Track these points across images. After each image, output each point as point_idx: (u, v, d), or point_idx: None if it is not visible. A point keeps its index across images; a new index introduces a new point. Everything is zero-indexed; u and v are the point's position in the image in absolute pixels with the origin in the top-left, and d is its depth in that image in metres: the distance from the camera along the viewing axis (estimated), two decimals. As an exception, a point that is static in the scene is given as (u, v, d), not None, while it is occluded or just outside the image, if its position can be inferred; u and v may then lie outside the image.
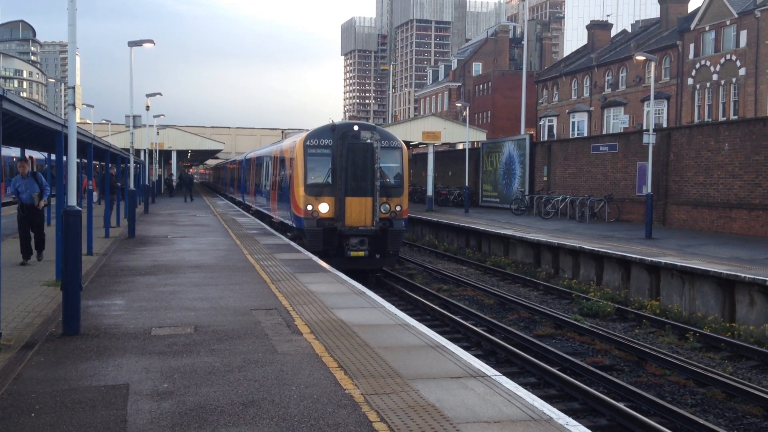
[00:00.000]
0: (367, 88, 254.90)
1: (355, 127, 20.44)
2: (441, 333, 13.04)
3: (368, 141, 20.03)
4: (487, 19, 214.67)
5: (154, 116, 45.29)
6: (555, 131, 61.72)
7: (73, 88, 9.72)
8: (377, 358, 8.22)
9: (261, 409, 6.45)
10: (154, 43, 24.15)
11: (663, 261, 18.00)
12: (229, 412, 6.39)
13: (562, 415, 6.23)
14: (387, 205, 20.41)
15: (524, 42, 49.39)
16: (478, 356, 11.14)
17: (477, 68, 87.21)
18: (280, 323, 10.13)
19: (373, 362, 8.02)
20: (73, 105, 9.71)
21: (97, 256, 17.54)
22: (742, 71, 42.98)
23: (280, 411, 6.39)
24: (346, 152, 19.98)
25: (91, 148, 18.26)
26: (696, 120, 45.84)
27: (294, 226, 21.73)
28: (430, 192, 42.60)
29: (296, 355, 8.38)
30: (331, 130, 20.77)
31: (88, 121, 75.23)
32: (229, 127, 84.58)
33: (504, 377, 7.53)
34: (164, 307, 11.25)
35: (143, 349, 8.65)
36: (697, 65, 46.55)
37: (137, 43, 23.96)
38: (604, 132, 52.62)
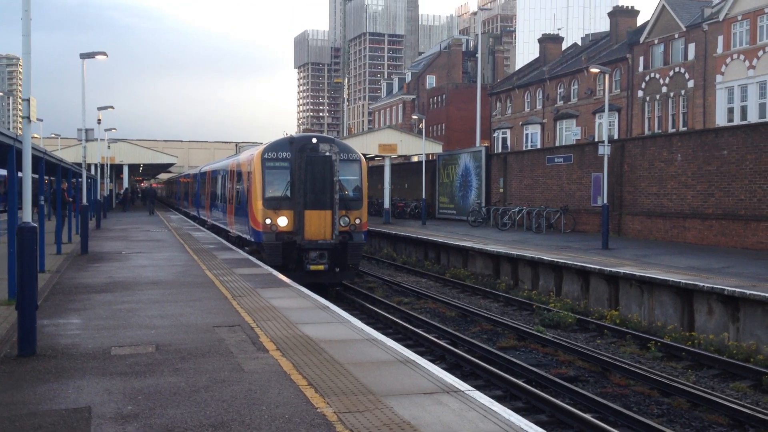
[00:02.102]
0: (321, 101, 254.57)
1: (314, 140, 20.30)
2: (405, 347, 12.92)
3: (327, 153, 19.90)
4: (439, 33, 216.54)
5: (106, 130, 44.47)
6: (509, 143, 62.31)
7: (28, 100, 9.40)
8: (347, 374, 8.06)
9: (231, 430, 6.25)
10: (107, 55, 23.69)
11: (621, 271, 18.18)
12: (198, 434, 6.16)
13: (540, 429, 6.15)
14: (346, 218, 20.28)
15: (478, 55, 49.84)
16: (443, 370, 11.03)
17: (431, 81, 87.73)
18: (244, 340, 9.90)
19: (343, 379, 7.86)
20: (28, 118, 9.39)
21: (49, 273, 17.04)
22: (690, 83, 43.94)
23: (251, 432, 6.19)
24: (305, 165, 19.82)
25: (42, 163, 17.77)
26: (646, 131, 46.69)
27: (252, 240, 21.44)
28: (387, 204, 42.55)
29: (264, 373, 8.18)
30: (290, 142, 20.60)
31: (36, 135, 73.57)
32: (181, 141, 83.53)
33: (477, 392, 7.44)
34: (123, 326, 10.92)
35: (104, 370, 8.35)
36: (647, 78, 47.46)
37: (89, 55, 23.47)
38: (557, 144, 53.29)
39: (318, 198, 19.81)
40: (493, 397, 10.97)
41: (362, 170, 21.26)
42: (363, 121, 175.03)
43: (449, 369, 13.03)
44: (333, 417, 6.55)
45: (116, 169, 61.32)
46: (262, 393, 7.36)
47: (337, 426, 6.31)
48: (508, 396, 11.60)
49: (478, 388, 11.40)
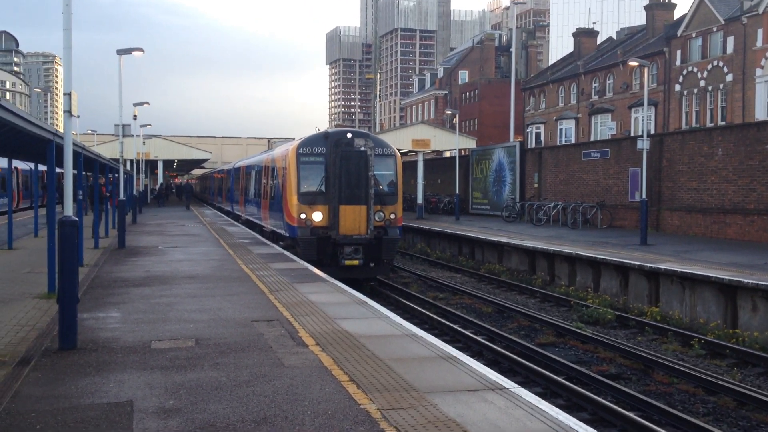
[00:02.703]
0: (353, 96, 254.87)
1: (349, 135, 20.18)
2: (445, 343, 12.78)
3: (362, 148, 19.76)
4: (471, 28, 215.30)
5: (141, 126, 44.87)
6: (542, 138, 61.73)
7: (69, 94, 9.42)
8: (389, 370, 7.95)
9: (275, 426, 6.17)
10: (144, 51, 23.82)
11: (662, 267, 17.84)
12: (241, 430, 6.10)
13: (591, 429, 5.99)
14: (381, 213, 20.16)
15: (512, 49, 49.45)
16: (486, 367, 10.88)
17: (463, 76, 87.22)
18: (283, 335, 9.84)
19: (385, 375, 7.75)
20: (69, 112, 9.41)
21: (88, 267, 17.17)
22: (729, 77, 43.11)
23: (295, 428, 6.11)
24: (340, 160, 19.69)
25: (81, 158, 17.91)
26: (684, 126, 45.92)
27: (287, 235, 21.40)
28: (420, 200, 42.39)
29: (304, 368, 8.10)
30: (324, 137, 20.52)
31: (73, 132, 74.57)
32: (215, 137, 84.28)
33: (523, 389, 7.29)
34: (162, 320, 10.93)
35: (144, 364, 8.34)
36: (684, 71, 46.66)
37: (126, 51, 23.62)
38: (592, 139, 52.63)
39: (353, 193, 19.69)
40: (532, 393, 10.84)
41: (397, 165, 21.13)
42: (394, 116, 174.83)
43: (488, 365, 12.85)
44: (377, 414, 6.44)
45: (151, 164, 61.96)
46: (303, 388, 7.28)
47: (381, 423, 6.20)
48: (548, 393, 11.40)
49: (516, 384, 11.26)
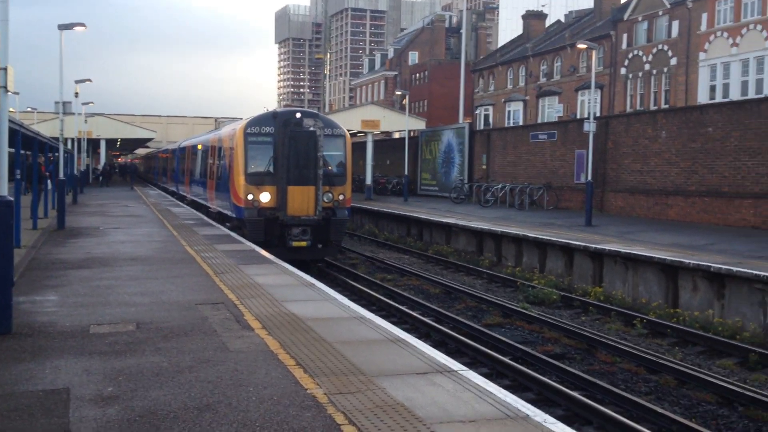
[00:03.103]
0: (302, 77, 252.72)
1: (298, 115, 19.93)
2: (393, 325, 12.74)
3: (311, 129, 19.55)
4: (421, 9, 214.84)
5: (83, 103, 43.73)
6: (491, 120, 62.05)
7: (5, 69, 9.00)
8: (336, 354, 7.84)
9: (218, 413, 6.01)
10: (86, 27, 23.12)
11: (606, 248, 18.09)
12: (183, 417, 5.93)
13: (538, 412, 5.98)
14: (330, 194, 20.01)
15: (462, 31, 49.45)
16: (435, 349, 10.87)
17: (413, 57, 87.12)
18: (228, 318, 9.65)
19: (332, 359, 7.64)
20: (5, 87, 9.00)
21: (25, 248, 16.64)
22: (673, 61, 43.84)
23: (239, 415, 5.96)
24: (289, 140, 19.45)
25: (19, 136, 17.31)
26: (629, 109, 46.61)
27: (234, 216, 21.11)
28: (369, 181, 42.29)
29: (250, 352, 7.94)
30: (273, 117, 20.23)
31: (12, 110, 72.33)
32: (160, 116, 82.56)
33: (472, 372, 7.26)
34: (102, 303, 10.62)
35: (82, 349, 8.07)
36: (630, 55, 47.30)
37: (68, 27, 22.90)
38: (540, 121, 53.09)
39: (302, 173, 19.49)
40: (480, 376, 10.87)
41: (347, 146, 20.96)
42: (344, 97, 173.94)
43: (435, 347, 12.86)
44: (324, 399, 6.34)
45: (93, 143, 60.50)
46: (248, 373, 7.13)
47: (328, 408, 6.09)
48: (495, 374, 11.45)
49: (464, 366, 11.29)
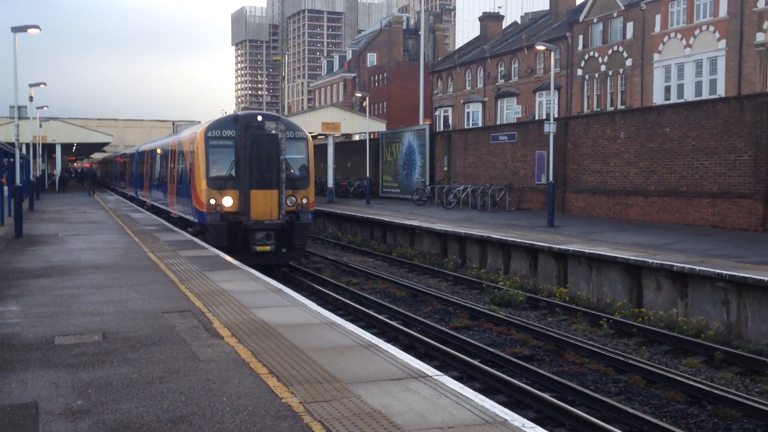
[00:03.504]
0: (260, 78, 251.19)
1: (259, 118, 19.73)
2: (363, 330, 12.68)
3: (273, 132, 19.42)
4: (378, 10, 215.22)
5: (38, 108, 42.81)
6: (450, 121, 62.35)
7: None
8: (309, 361, 7.76)
9: (192, 425, 5.89)
10: (40, 29, 22.61)
11: (570, 248, 18.25)
12: (156, 430, 5.79)
13: (516, 416, 5.97)
14: (293, 198, 19.88)
15: (420, 32, 49.64)
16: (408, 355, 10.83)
17: (372, 59, 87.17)
18: (197, 326, 9.50)
19: (306, 366, 7.55)
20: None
21: (-18, 258, 16.22)
22: (629, 62, 44.51)
23: (214, 427, 5.85)
24: (250, 144, 19.28)
25: (-28, 142, 16.85)
26: (585, 110, 47.23)
27: (196, 221, 20.83)
28: (330, 184, 42.14)
29: (221, 361, 7.81)
30: (234, 120, 20.00)
31: (-39, 114, 70.58)
32: (116, 119, 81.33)
33: (446, 377, 7.23)
34: (65, 313, 10.38)
35: (48, 361, 7.87)
36: (586, 56, 47.92)
37: (21, 29, 22.36)
38: (498, 122, 53.50)
39: (264, 177, 19.34)
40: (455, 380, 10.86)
41: (309, 149, 20.83)
42: (303, 99, 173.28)
43: (404, 350, 12.83)
44: (299, 407, 6.25)
45: (48, 148, 59.33)
46: (221, 383, 7.01)
47: (304, 417, 6.01)
48: (465, 377, 11.47)
49: (438, 370, 11.27)
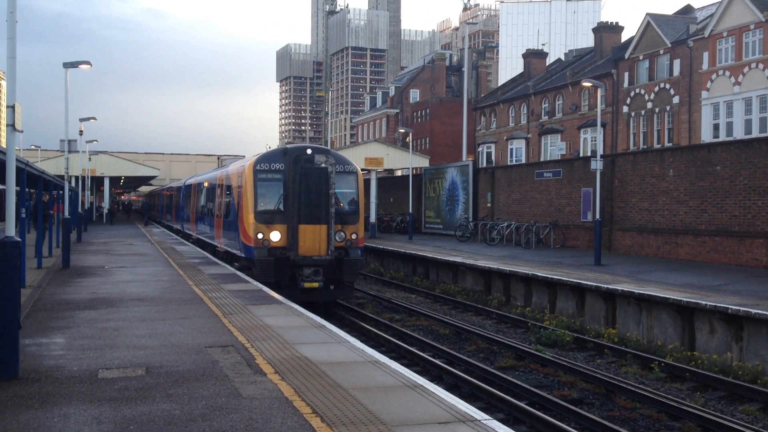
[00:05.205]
0: (303, 114, 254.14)
1: (309, 151, 19.37)
2: (406, 368, 12.44)
3: (322, 165, 19.03)
4: (421, 47, 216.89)
5: (87, 141, 43.73)
6: (493, 157, 62.14)
7: (13, 107, 8.87)
8: (353, 401, 7.57)
9: (236, 466, 5.74)
10: (91, 65, 23.11)
11: (619, 288, 17.81)
12: (199, 471, 5.66)
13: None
14: (342, 233, 19.36)
15: (464, 69, 49.70)
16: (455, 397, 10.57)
17: (414, 95, 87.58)
18: (239, 362, 9.38)
19: (350, 406, 7.36)
20: (12, 126, 8.87)
21: (30, 288, 16.41)
22: (676, 99, 43.96)
23: (258, 468, 5.69)
24: (299, 177, 18.91)
25: (24, 174, 17.16)
26: (632, 147, 46.65)
27: (243, 255, 20.56)
28: (373, 219, 42.09)
29: (264, 399, 7.67)
30: (283, 153, 19.67)
31: (16, 148, 72.48)
32: (163, 153, 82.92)
33: (495, 421, 6.98)
34: (109, 346, 10.37)
35: (91, 396, 7.81)
36: (632, 93, 47.47)
37: (73, 65, 22.88)
38: (542, 158, 53.12)
39: (313, 212, 18.89)
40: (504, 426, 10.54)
41: (359, 183, 20.42)
42: (345, 135, 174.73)
43: (449, 390, 12.56)
44: (345, 450, 6.07)
45: (97, 181, 60.50)
46: (264, 422, 6.86)
47: (350, 461, 5.82)
48: (511, 419, 11.14)
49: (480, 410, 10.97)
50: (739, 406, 12.15)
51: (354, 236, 19.63)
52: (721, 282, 18.66)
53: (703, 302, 15.18)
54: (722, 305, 14.70)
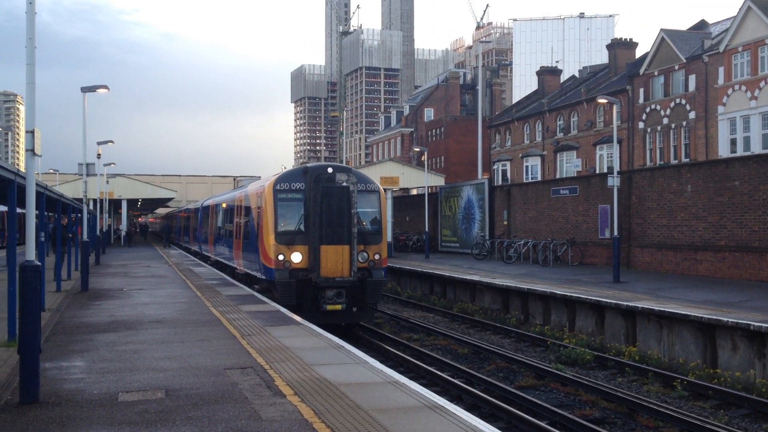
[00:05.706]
0: (318, 134, 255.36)
1: (330, 169, 18.97)
2: (426, 388, 12.36)
3: (344, 184, 18.64)
4: (435, 66, 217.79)
5: (105, 164, 44.08)
6: (509, 175, 62.08)
7: (32, 132, 8.97)
8: (374, 422, 7.52)
9: (257, 490, 5.71)
10: (108, 89, 23.33)
11: (639, 305, 17.65)
12: (221, 495, 5.63)
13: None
14: (365, 254, 18.98)
15: (478, 87, 49.78)
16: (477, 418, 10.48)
17: (429, 114, 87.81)
18: (259, 384, 9.36)
19: (370, 428, 7.32)
20: (32, 150, 8.95)
21: (50, 311, 16.49)
22: (692, 114, 43.79)
23: (279, 492, 5.66)
24: (321, 197, 18.53)
25: (43, 198, 17.30)
26: (648, 163, 46.46)
27: (263, 277, 20.22)
28: (389, 238, 42.05)
29: (283, 421, 7.64)
30: (303, 173, 19.32)
31: (36, 172, 73.19)
32: (179, 175, 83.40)
33: (518, 442, 6.90)
34: (129, 369, 10.38)
35: (112, 419, 7.81)
36: (648, 109, 47.34)
37: (91, 89, 23.10)
38: (558, 176, 53.01)
39: (335, 232, 18.50)
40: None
41: (381, 202, 20.07)
42: (360, 154, 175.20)
43: (468, 410, 12.46)
44: (366, 473, 6.02)
45: (115, 204, 60.94)
46: (285, 445, 6.83)
47: (372, 484, 5.78)
48: (533, 440, 11.03)
49: (501, 431, 10.87)
50: (763, 424, 11.97)
51: (377, 256, 19.26)
52: (742, 298, 18.46)
53: (725, 319, 15.01)
54: (744, 322, 14.53)
